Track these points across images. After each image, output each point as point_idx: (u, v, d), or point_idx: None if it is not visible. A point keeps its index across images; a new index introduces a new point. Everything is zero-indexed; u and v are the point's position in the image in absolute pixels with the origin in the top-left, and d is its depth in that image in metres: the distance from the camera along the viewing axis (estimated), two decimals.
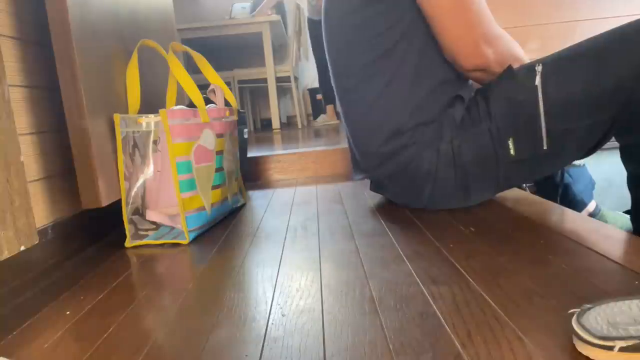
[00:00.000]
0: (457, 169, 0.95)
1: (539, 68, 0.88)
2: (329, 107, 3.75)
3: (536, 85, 0.87)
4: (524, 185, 1.45)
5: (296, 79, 3.71)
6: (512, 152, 0.90)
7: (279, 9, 3.65)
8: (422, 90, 0.96)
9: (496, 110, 0.91)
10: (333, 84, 1.08)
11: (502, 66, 0.92)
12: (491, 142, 0.91)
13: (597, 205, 1.23)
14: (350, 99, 1.04)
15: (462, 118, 0.95)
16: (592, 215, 1.22)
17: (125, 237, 0.97)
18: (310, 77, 4.42)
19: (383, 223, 0.97)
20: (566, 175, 1.19)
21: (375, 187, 1.14)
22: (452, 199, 1.01)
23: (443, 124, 0.95)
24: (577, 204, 1.20)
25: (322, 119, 3.77)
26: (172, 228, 1.02)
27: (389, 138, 0.99)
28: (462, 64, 0.92)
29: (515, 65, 0.92)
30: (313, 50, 3.40)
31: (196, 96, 1.04)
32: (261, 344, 0.53)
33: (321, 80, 3.50)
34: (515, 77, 0.90)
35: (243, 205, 1.27)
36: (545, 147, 0.88)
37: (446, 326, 0.52)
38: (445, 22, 0.90)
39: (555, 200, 1.20)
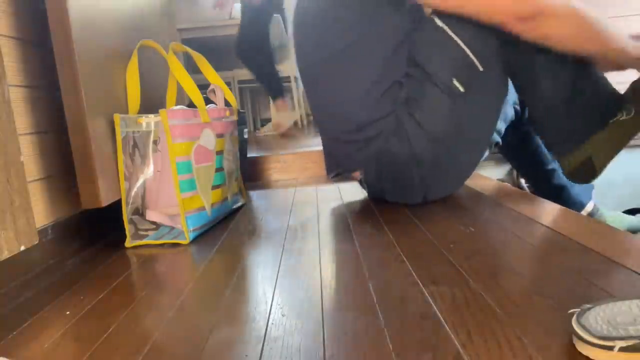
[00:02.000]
0: (430, 141, 0.98)
1: (429, 12, 0.95)
2: (281, 105, 2.94)
3: (441, 26, 0.94)
4: (524, 184, 1.45)
5: (296, 79, 3.71)
6: (461, 88, 0.94)
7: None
8: (380, 90, 1.00)
9: (429, 66, 0.96)
10: (299, 75, 1.12)
11: (557, 13, 0.83)
12: (441, 92, 0.95)
13: (595, 206, 1.23)
14: (316, 92, 1.08)
15: (407, 97, 0.99)
16: (590, 215, 1.22)
17: (125, 237, 0.97)
18: None
19: (383, 223, 0.97)
20: (563, 177, 1.19)
21: (372, 192, 1.14)
22: (445, 177, 1.04)
23: (397, 113, 1.00)
24: (576, 205, 1.20)
25: (268, 127, 3.15)
26: (172, 228, 1.02)
27: (353, 131, 1.03)
28: (512, 18, 0.85)
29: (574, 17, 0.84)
30: (244, 36, 2.81)
31: (196, 96, 1.04)
32: (261, 344, 0.53)
33: (260, 71, 2.88)
34: (422, 30, 0.97)
35: (243, 205, 1.27)
36: (481, 69, 0.94)
37: (446, 326, 0.52)
38: None
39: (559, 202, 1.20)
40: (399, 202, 1.10)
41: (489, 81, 0.97)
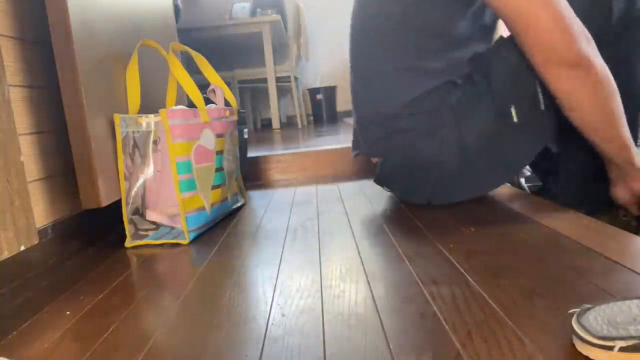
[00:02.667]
0: (462, 151, 0.96)
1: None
2: None
3: None
4: (524, 184, 1.45)
5: (296, 79, 3.71)
6: (515, 118, 0.92)
7: (279, 9, 3.65)
8: (429, 83, 0.97)
9: (495, 82, 0.93)
10: (350, 44, 1.09)
11: (599, 67, 0.83)
12: (494, 113, 0.93)
13: None
14: (363, 66, 1.05)
15: (458, 100, 0.96)
16: None
17: (125, 237, 0.97)
18: (310, 77, 4.42)
19: (383, 223, 0.97)
20: None
21: (380, 179, 1.13)
22: (458, 188, 1.02)
23: (442, 111, 0.97)
24: None
25: None
26: (172, 228, 1.02)
27: (389, 116, 1.00)
28: (556, 57, 0.83)
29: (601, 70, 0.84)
30: None
31: (196, 96, 1.04)
32: (261, 344, 0.53)
33: None
34: (505, 45, 0.93)
35: (243, 205, 1.27)
36: (542, 107, 0.91)
37: (446, 326, 0.52)
38: (533, 17, 0.83)
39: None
40: (401, 198, 1.10)
41: (543, 122, 0.94)
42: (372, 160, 1.16)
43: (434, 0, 0.94)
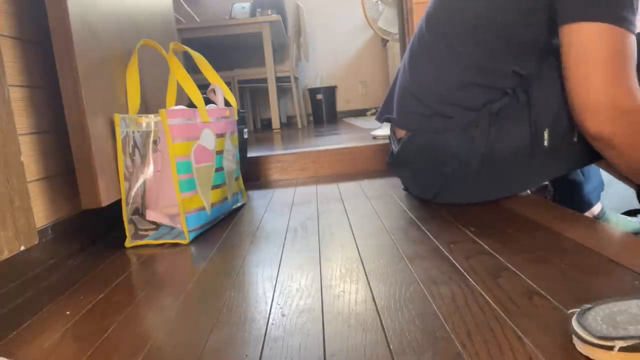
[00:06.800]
0: (485, 157, 0.95)
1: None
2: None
3: None
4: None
5: (296, 79, 3.71)
6: (545, 142, 0.91)
7: (279, 9, 3.65)
8: (477, 79, 0.96)
9: (536, 103, 0.92)
10: (425, 23, 1.06)
11: (632, 146, 0.81)
12: (528, 133, 0.92)
13: (602, 208, 1.22)
14: (427, 48, 1.03)
15: (499, 109, 0.95)
16: (596, 218, 1.21)
17: (125, 237, 0.97)
18: (310, 77, 4.42)
19: (383, 223, 0.97)
20: (579, 173, 1.19)
21: (396, 160, 1.12)
22: (468, 190, 1.02)
23: (481, 113, 0.96)
24: (583, 204, 1.20)
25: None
26: (172, 228, 1.02)
27: (435, 98, 0.99)
28: (587, 125, 0.82)
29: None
30: None
31: (196, 96, 1.04)
32: (261, 344, 0.53)
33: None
34: (556, 73, 0.89)
35: (243, 205, 1.27)
36: (574, 139, 0.90)
37: (446, 326, 0.52)
38: (588, 72, 0.80)
39: (567, 198, 1.20)
40: (408, 187, 1.09)
41: (571, 153, 0.94)
42: (395, 133, 1.12)
43: (525, 18, 0.91)
